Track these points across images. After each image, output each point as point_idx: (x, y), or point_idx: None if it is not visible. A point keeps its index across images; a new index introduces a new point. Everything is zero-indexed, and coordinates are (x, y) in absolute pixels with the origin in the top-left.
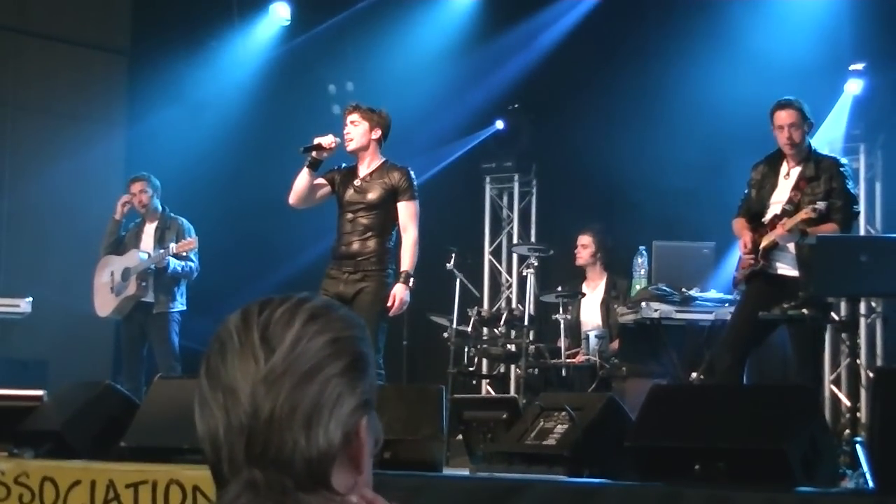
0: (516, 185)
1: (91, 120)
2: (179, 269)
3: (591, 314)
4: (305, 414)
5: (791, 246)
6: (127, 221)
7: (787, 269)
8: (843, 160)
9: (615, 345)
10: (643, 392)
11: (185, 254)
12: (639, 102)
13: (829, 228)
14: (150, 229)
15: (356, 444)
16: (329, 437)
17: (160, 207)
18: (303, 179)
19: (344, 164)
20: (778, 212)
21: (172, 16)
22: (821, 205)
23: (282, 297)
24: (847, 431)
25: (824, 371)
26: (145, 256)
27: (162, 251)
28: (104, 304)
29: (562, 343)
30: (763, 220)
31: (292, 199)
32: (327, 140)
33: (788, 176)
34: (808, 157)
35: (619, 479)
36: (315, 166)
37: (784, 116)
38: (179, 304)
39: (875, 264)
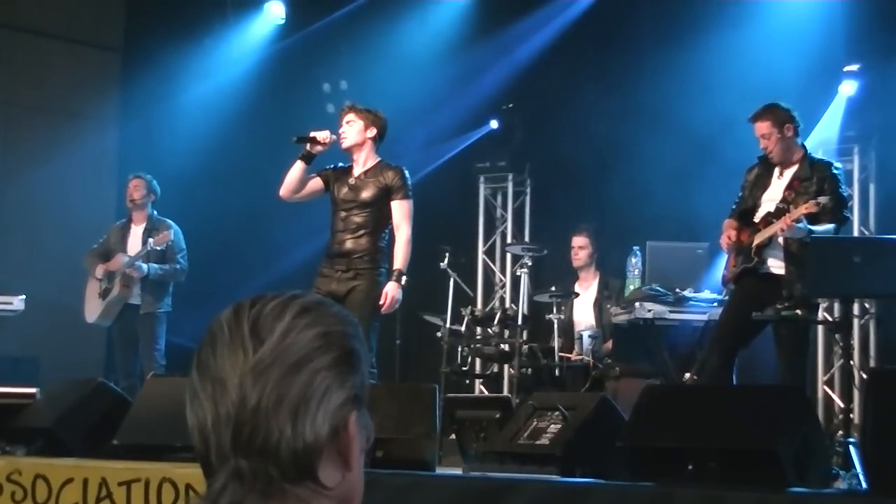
0: (510, 185)
1: (84, 117)
2: (160, 272)
3: (584, 314)
4: (292, 404)
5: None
6: (115, 219)
7: (779, 267)
8: (837, 164)
9: (608, 345)
10: (636, 392)
11: (159, 247)
12: (633, 102)
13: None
14: (137, 231)
15: (345, 439)
16: (316, 428)
17: (150, 210)
18: (295, 171)
19: (340, 164)
20: (771, 209)
21: (166, 13)
22: (823, 199)
23: (274, 294)
24: (840, 432)
25: (810, 371)
26: (127, 259)
27: (129, 258)
28: (92, 309)
29: (555, 343)
30: (754, 218)
31: (283, 191)
32: (322, 134)
33: (782, 176)
34: (802, 158)
35: (611, 479)
36: (308, 160)
37: (757, 129)
38: (166, 305)
39: (868, 265)
